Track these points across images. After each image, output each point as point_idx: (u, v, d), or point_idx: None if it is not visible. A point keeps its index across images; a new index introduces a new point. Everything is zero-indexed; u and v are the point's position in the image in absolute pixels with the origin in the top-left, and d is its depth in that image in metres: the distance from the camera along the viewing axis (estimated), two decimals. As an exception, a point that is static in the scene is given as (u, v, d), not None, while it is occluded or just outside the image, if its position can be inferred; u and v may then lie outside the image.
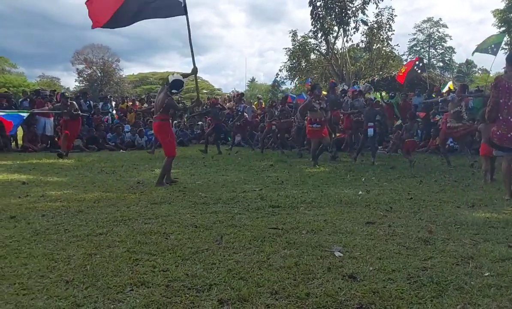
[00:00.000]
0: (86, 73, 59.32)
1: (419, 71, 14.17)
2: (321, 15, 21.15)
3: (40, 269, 3.10)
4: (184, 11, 7.42)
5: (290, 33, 24.55)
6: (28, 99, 15.12)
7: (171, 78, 7.25)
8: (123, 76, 61.79)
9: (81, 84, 58.06)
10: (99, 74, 58.50)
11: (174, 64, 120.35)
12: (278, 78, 26.96)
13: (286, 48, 25.19)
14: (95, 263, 3.24)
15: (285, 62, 25.61)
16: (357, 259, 3.38)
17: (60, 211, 5.04)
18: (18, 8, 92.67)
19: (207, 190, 6.64)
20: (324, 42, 22.24)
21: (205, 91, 51.97)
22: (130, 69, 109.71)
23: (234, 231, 4.17)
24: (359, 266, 3.23)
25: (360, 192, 6.40)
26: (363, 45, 23.40)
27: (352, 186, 7.06)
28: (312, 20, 21.51)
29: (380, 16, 22.14)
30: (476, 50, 13.73)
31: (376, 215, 4.97)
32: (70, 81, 70.57)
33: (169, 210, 5.15)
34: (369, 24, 22.04)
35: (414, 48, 62.90)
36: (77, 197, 5.93)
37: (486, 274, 3.03)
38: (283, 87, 29.20)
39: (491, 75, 16.35)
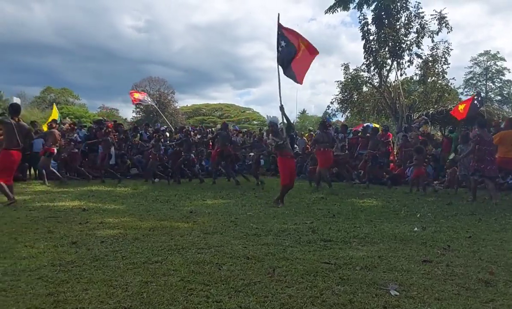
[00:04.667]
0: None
1: (478, 105, 13.71)
2: (374, 49, 21.01)
3: (100, 295, 3.22)
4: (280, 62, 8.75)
5: (342, 66, 24.54)
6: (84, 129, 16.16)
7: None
8: (177, 107, 63.74)
9: (138, 115, 60.36)
10: (155, 105, 60.61)
11: (226, 96, 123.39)
12: (329, 111, 26.80)
13: (338, 81, 25.16)
14: (151, 291, 3.32)
15: (337, 95, 25.53)
16: (414, 299, 3.27)
17: (118, 238, 5.22)
18: (81, 43, 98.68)
19: (258, 221, 6.67)
20: (377, 75, 21.98)
21: (256, 122, 52.66)
22: (184, 101, 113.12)
23: (286, 264, 4.15)
24: (416, 306, 3.12)
25: (416, 228, 6.20)
26: (417, 78, 22.98)
27: (407, 222, 6.85)
28: (365, 53, 21.42)
29: (435, 50, 21.71)
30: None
31: (433, 253, 4.80)
32: (128, 112, 73.71)
33: (221, 240, 5.21)
34: (424, 57, 21.62)
35: (471, 81, 60.88)
36: (133, 225, 6.13)
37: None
38: (334, 119, 29.02)
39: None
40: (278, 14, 9.05)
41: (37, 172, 14.47)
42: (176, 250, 4.67)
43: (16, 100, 8.88)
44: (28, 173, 14.43)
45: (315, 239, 5.36)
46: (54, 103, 26.34)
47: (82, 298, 3.14)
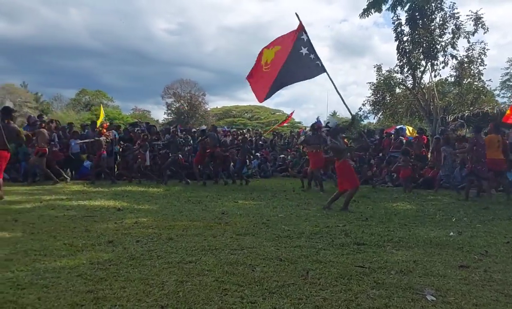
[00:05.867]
0: (174, 106, 62.58)
1: None
2: (407, 50, 20.66)
3: (137, 293, 3.29)
4: (323, 70, 8.63)
5: (374, 67, 24.23)
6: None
7: None
8: (208, 109, 64.38)
9: (169, 117, 61.29)
10: (186, 107, 61.42)
11: (255, 98, 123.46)
12: (360, 112, 26.48)
13: (370, 82, 24.86)
14: (186, 290, 3.37)
15: (369, 97, 25.23)
16: (451, 304, 3.21)
17: (153, 238, 5.32)
18: (116, 46, 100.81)
19: (289, 223, 6.67)
20: (411, 77, 21.59)
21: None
22: (214, 102, 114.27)
23: (320, 267, 4.14)
24: (454, 312, 3.06)
25: (452, 233, 6.07)
26: (452, 80, 22.45)
27: (442, 226, 6.71)
28: (398, 54, 21.08)
29: (471, 51, 21.18)
30: None
31: (470, 258, 4.69)
32: (159, 114, 75.22)
33: (253, 242, 5.23)
34: (459, 58, 21.11)
35: (507, 82, 59.04)
36: (167, 225, 6.23)
37: None
38: (366, 121, 28.67)
39: None
40: (296, 14, 8.86)
41: (73, 173, 14.93)
42: (210, 251, 4.72)
43: (9, 103, 9.32)
44: (70, 173, 14.86)
45: (348, 242, 5.32)
46: (102, 105, 27.10)
47: (120, 296, 3.22)
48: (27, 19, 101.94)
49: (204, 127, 16.53)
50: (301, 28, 8.78)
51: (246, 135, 18.25)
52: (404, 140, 15.28)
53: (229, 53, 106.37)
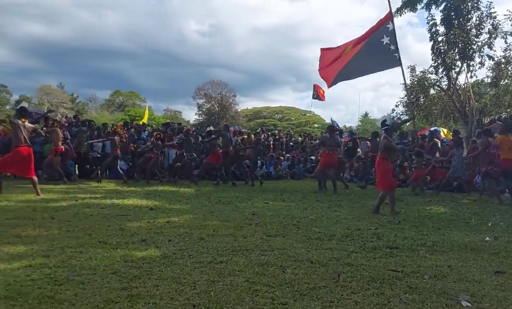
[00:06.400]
0: (205, 107, 63.16)
1: None
2: (442, 50, 20.15)
3: (170, 291, 3.34)
4: (399, 63, 8.44)
5: (408, 68, 23.74)
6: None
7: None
8: (238, 110, 64.66)
9: (200, 118, 61.90)
10: (217, 108, 61.91)
11: (287, 98, 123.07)
12: (393, 114, 26.00)
13: (403, 83, 24.34)
14: (218, 290, 3.41)
15: (402, 98, 24.75)
16: (487, 312, 3.13)
17: (184, 237, 5.40)
18: (149, 47, 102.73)
19: (320, 225, 6.63)
20: (446, 77, 21.05)
21: (317, 125, 52.20)
22: (245, 103, 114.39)
23: (351, 270, 4.10)
24: (490, 320, 2.98)
25: (487, 238, 5.91)
26: (489, 81, 21.77)
27: (477, 231, 6.54)
28: (432, 55, 20.58)
29: (508, 51, 20.48)
30: None
31: (507, 264, 4.55)
32: (190, 115, 75.95)
33: (284, 243, 5.23)
34: (496, 59, 20.45)
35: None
36: (198, 225, 6.30)
37: None
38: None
39: None
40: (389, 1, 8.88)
41: (107, 172, 15.25)
42: (240, 251, 4.75)
43: (24, 104, 9.77)
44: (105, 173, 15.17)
45: (380, 245, 5.25)
46: (147, 107, 27.79)
47: (154, 294, 3.28)
48: (65, 22, 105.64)
49: (211, 128, 16.50)
50: (389, 17, 8.79)
51: (260, 136, 18.11)
52: (439, 143, 14.96)
53: (260, 54, 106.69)
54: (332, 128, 13.17)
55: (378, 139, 14.10)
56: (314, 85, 24.35)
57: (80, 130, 14.27)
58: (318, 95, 24.48)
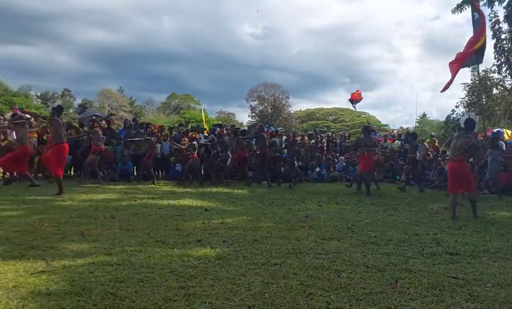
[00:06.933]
0: (258, 109, 63.57)
1: None
2: (506, 48, 19.16)
3: (225, 292, 3.39)
4: (482, 59, 9.38)
5: (469, 67, 22.82)
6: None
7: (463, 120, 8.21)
8: (291, 112, 64.55)
9: (253, 120, 62.34)
10: (269, 110, 62.15)
11: (341, 100, 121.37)
12: (453, 115, 25.03)
13: (464, 83, 23.43)
14: (272, 292, 3.41)
15: (463, 98, 23.84)
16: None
17: (238, 239, 5.45)
18: (204, 51, 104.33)
19: (376, 229, 6.49)
20: (509, 77, 20.02)
21: (379, 129, 51.12)
22: (298, 105, 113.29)
23: (409, 276, 3.98)
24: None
25: (557, 246, 5.55)
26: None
27: (546, 238, 6.16)
28: (495, 53, 19.64)
29: None
30: None
31: None
32: (243, 117, 76.80)
33: (338, 247, 5.16)
34: None
35: None
36: (251, 226, 6.35)
37: None
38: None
39: None
40: None
41: (162, 173, 15.69)
42: (294, 254, 4.73)
43: (59, 102, 10.27)
44: (158, 173, 15.62)
45: (439, 251, 5.06)
46: (202, 109, 28.64)
47: (210, 294, 3.34)
48: (124, 28, 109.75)
49: (246, 128, 16.44)
50: (477, 7, 8.79)
51: (296, 137, 17.86)
52: (504, 145, 14.26)
53: (313, 55, 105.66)
54: (367, 128, 13.26)
55: (415, 142, 13.91)
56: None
57: (138, 133, 14.67)
58: (354, 99, 23.54)
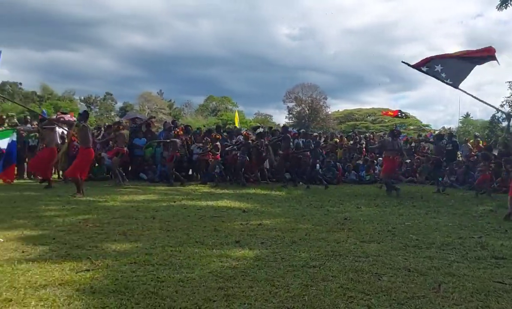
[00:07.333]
0: (296, 110, 63.41)
1: None
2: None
3: (264, 293, 3.39)
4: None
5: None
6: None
7: None
8: (329, 113, 64.00)
9: (290, 121, 62.24)
10: (307, 111, 61.87)
11: (379, 100, 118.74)
12: (498, 114, 24.15)
13: (509, 81, 22.61)
14: (311, 294, 3.39)
15: (508, 97, 23.00)
16: None
17: (276, 240, 5.44)
18: (241, 53, 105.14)
19: (418, 232, 6.33)
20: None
21: (412, 127, 50.06)
22: (336, 106, 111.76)
23: (453, 280, 3.87)
24: None
25: None
26: None
27: None
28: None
29: None
30: None
31: None
32: (280, 118, 76.67)
33: (379, 250, 5.07)
34: None
35: None
36: (290, 228, 6.33)
37: None
38: (504, 123, 26.02)
39: None
40: None
41: (198, 175, 15.83)
42: (333, 256, 4.68)
43: (84, 108, 10.52)
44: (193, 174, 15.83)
45: (485, 255, 4.89)
46: (237, 111, 28.86)
47: (248, 295, 3.34)
48: (163, 32, 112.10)
49: (261, 129, 16.23)
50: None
51: (319, 139, 17.51)
52: None
53: (351, 55, 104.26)
54: (395, 132, 13.05)
55: (442, 142, 13.54)
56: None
57: (177, 135, 14.87)
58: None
